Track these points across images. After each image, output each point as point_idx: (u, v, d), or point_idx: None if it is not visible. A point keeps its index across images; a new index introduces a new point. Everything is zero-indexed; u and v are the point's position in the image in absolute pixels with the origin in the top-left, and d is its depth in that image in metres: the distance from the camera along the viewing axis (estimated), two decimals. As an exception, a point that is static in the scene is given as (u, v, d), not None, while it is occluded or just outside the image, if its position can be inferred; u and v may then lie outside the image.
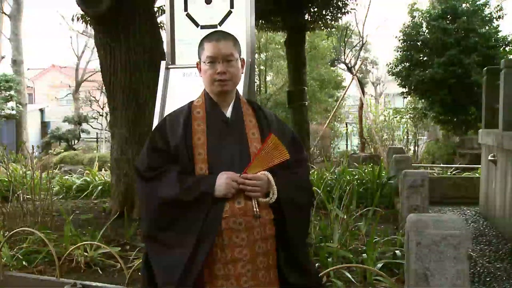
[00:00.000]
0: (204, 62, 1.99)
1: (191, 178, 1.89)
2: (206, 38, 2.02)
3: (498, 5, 13.78)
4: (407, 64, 13.86)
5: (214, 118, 2.00)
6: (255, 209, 1.87)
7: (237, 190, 1.87)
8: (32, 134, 20.68)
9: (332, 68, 20.09)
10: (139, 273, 3.56)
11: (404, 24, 14.26)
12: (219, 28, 3.60)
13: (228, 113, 2.02)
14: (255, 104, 2.13)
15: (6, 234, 4.16)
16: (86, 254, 3.96)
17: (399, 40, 14.09)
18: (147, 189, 1.95)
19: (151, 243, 1.95)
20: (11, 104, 18.63)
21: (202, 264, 1.84)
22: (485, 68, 6.69)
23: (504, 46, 13.28)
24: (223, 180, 1.85)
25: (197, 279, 1.84)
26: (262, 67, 19.85)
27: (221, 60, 1.96)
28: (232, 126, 1.99)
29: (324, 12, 10.81)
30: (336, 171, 7.12)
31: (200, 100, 2.05)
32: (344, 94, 15.60)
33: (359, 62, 17.45)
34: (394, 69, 14.25)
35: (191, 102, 2.06)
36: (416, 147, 15.37)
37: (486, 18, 13.49)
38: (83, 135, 19.70)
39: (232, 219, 1.86)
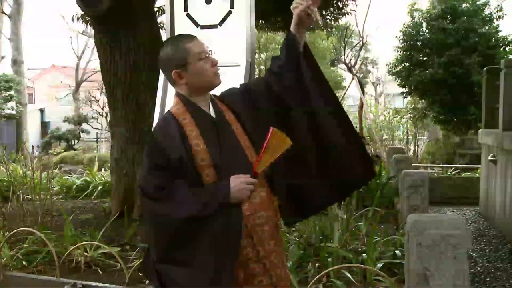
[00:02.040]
0: (199, 59, 1.92)
1: (203, 191, 1.84)
2: (183, 41, 1.96)
3: (498, 5, 13.78)
4: (407, 64, 13.87)
5: (203, 121, 1.95)
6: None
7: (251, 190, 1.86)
8: (32, 134, 20.67)
9: (332, 68, 20.10)
10: (139, 273, 3.58)
11: (404, 24, 14.27)
12: (219, 28, 3.61)
13: (212, 113, 1.98)
14: (221, 97, 2.08)
15: (6, 234, 4.16)
16: (86, 254, 3.96)
17: (399, 40, 14.10)
18: (159, 210, 1.85)
19: (168, 266, 1.85)
20: (11, 104, 18.62)
21: (231, 275, 1.80)
22: (485, 68, 6.69)
23: (504, 46, 13.29)
24: (237, 187, 1.82)
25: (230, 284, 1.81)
26: (262, 67, 19.86)
27: (209, 54, 1.97)
28: (220, 125, 1.96)
29: (324, 12, 10.82)
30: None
31: (179, 107, 1.97)
32: (344, 94, 15.62)
33: (359, 62, 17.46)
34: (394, 69, 14.26)
35: (170, 112, 1.98)
36: (416, 147, 15.37)
37: (486, 18, 13.49)
38: (83, 135, 19.68)
39: (255, 215, 1.88)
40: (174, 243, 1.83)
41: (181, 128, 1.90)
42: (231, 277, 1.80)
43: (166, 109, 3.61)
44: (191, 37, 1.98)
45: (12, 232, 4.05)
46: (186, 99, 1.96)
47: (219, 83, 1.99)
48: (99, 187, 7.25)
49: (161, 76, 3.79)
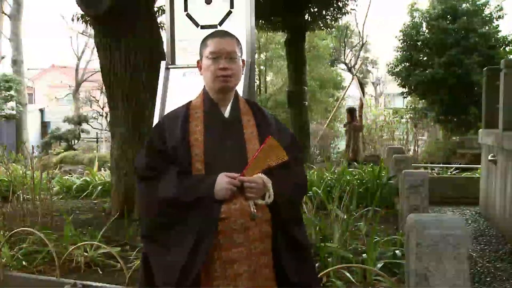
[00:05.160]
0: (207, 57, 1.97)
1: (190, 178, 1.89)
2: (210, 35, 2.04)
3: (498, 5, 13.81)
4: (407, 64, 13.89)
5: (212, 118, 1.99)
6: (252, 210, 1.88)
7: (234, 192, 1.87)
8: (32, 134, 20.67)
9: (332, 68, 20.10)
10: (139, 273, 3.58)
11: (404, 24, 14.29)
12: (219, 28, 3.60)
13: (227, 113, 2.01)
14: (253, 104, 2.12)
15: (6, 234, 4.16)
16: (86, 254, 3.96)
17: (399, 40, 14.12)
18: (146, 189, 1.95)
19: (150, 243, 1.96)
20: (11, 104, 18.63)
21: (201, 264, 1.83)
22: (485, 68, 6.68)
23: (504, 46, 13.31)
24: (223, 183, 1.85)
25: (194, 280, 1.84)
26: (262, 67, 19.86)
27: (225, 56, 1.96)
28: (230, 125, 1.99)
29: (324, 12, 10.83)
30: (336, 171, 7.12)
31: (198, 100, 2.05)
32: (344, 94, 15.62)
33: (359, 62, 17.47)
34: (394, 69, 14.28)
35: (190, 102, 2.06)
36: (416, 147, 15.37)
37: (486, 18, 13.51)
38: (83, 135, 19.66)
39: (229, 220, 1.86)
40: (156, 223, 1.92)
41: (188, 121, 1.98)
42: (200, 267, 1.83)
43: (166, 109, 3.63)
44: (217, 35, 2.03)
45: (12, 232, 4.04)
46: (206, 93, 2.04)
47: (221, 87, 1.98)
48: (99, 187, 7.24)
49: (161, 76, 3.80)
